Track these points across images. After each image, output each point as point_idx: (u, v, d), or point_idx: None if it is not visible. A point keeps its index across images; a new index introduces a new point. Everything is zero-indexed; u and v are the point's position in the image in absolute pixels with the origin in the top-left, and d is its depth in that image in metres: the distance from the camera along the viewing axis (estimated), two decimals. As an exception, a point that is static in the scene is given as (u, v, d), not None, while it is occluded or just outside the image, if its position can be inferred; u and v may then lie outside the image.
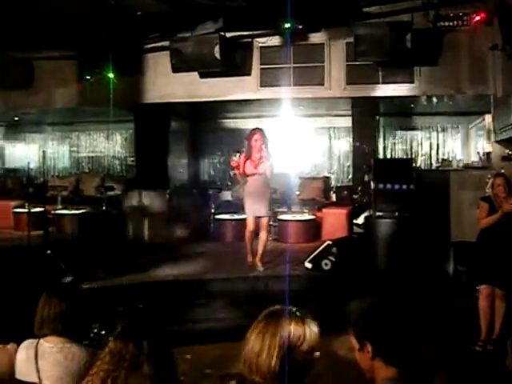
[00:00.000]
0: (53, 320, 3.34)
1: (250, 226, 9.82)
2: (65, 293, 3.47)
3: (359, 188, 12.67)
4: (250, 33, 11.66)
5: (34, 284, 3.57)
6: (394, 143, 15.77)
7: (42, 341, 3.32)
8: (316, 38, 11.41)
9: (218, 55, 10.85)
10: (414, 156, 15.40)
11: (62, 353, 3.27)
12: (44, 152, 17.25)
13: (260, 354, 2.45)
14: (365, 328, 2.46)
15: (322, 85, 11.47)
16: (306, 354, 2.49)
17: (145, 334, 2.68)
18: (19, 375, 3.26)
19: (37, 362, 3.24)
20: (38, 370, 3.21)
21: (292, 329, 2.48)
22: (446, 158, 14.90)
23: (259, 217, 9.77)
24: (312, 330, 2.53)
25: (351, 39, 10.51)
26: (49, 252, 8.66)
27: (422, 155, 15.66)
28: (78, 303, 3.45)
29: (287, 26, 10.83)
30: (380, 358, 2.43)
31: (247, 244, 10.04)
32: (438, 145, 15.59)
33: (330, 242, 9.73)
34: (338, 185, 15.25)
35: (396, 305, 2.61)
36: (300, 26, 10.94)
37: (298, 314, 2.57)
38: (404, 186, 9.66)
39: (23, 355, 3.31)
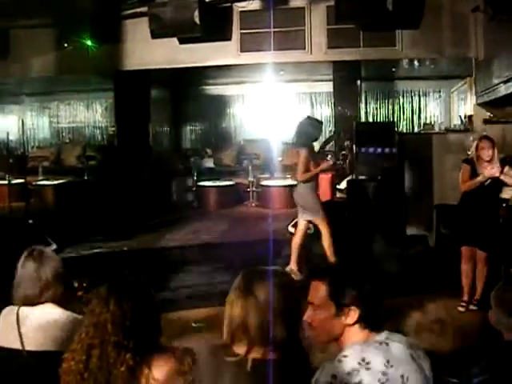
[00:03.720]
0: (34, 285, 3.31)
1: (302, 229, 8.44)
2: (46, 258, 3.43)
3: (341, 153, 12.65)
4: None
5: (17, 254, 3.51)
6: (376, 108, 15.76)
7: (23, 307, 3.29)
8: (296, 1, 11.29)
9: (197, 20, 10.71)
10: (396, 120, 15.40)
11: (44, 318, 3.24)
12: (23, 122, 17.03)
13: (245, 316, 2.44)
14: (356, 295, 2.45)
15: (303, 49, 11.36)
16: (291, 307, 2.48)
17: (128, 292, 2.67)
18: (1, 342, 3.24)
19: (19, 328, 3.21)
20: (20, 336, 3.18)
21: (273, 284, 2.45)
22: (428, 122, 14.92)
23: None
24: (290, 279, 2.54)
25: (332, 2, 10.42)
26: (30, 222, 8.59)
27: (404, 119, 15.68)
28: (61, 269, 3.42)
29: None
30: (362, 323, 2.46)
31: (293, 251, 8.34)
32: (419, 109, 15.61)
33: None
34: (321, 150, 15.21)
35: (378, 270, 2.63)
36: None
37: (275, 270, 2.56)
38: (386, 150, 9.67)
39: (5, 322, 3.28)
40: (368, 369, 2.30)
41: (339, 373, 2.30)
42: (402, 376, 2.32)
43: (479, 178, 6.73)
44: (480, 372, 2.85)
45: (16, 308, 3.31)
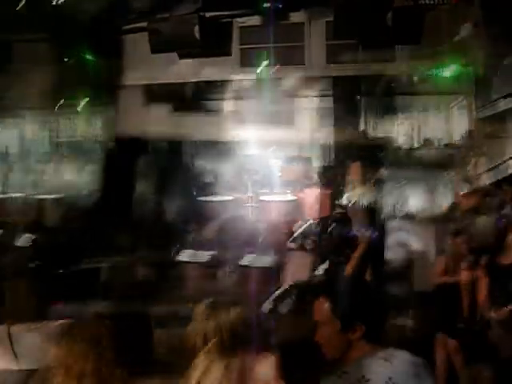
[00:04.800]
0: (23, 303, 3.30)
1: None
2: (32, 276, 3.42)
3: (340, 169, 12.66)
4: (230, 12, 11.55)
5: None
6: (376, 123, 15.73)
7: (13, 326, 3.27)
8: (296, 17, 11.33)
9: (197, 35, 10.74)
10: (395, 136, 15.39)
11: (37, 333, 3.22)
12: (23, 136, 17.02)
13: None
14: (361, 311, 2.48)
15: (303, 64, 11.42)
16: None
17: (119, 317, 2.66)
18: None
19: (12, 348, 3.18)
20: (15, 355, 3.16)
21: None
22: (427, 137, 14.89)
23: None
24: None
25: (331, 18, 10.45)
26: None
27: (403, 135, 15.65)
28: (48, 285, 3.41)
29: (266, 5, 10.72)
30: (367, 338, 2.47)
31: None
32: (419, 125, 15.57)
33: (312, 221, 9.76)
34: (321, 166, 15.23)
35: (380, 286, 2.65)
36: (280, 5, 10.83)
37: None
38: (382, 165, 9.69)
39: None
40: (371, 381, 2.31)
41: None
42: None
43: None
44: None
45: (6, 327, 3.28)
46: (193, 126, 12.06)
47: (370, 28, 9.94)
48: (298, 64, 11.41)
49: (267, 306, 9.42)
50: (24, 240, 9.75)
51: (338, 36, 10.48)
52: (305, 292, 9.33)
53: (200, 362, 2.53)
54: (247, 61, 11.70)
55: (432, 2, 10.27)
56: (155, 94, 12.71)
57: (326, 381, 2.39)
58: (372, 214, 9.00)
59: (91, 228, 11.89)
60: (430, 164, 10.48)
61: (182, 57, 11.75)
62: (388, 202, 11.83)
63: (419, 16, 10.28)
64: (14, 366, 3.12)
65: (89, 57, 11.83)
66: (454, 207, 10.18)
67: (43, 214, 12.87)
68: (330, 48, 11.16)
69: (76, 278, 8.45)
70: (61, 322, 3.25)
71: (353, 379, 2.32)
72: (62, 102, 16.65)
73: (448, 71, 10.88)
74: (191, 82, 12.52)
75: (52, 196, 13.39)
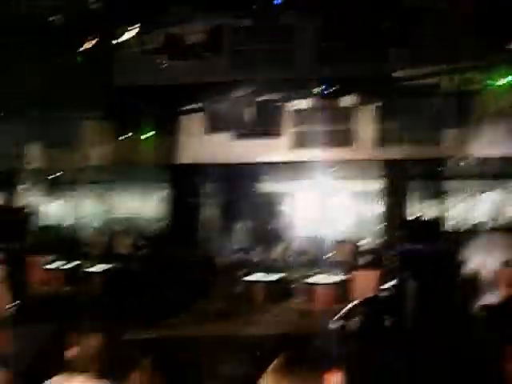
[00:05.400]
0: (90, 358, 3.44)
1: None
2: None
3: (390, 251, 12.65)
4: (282, 96, 11.95)
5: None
6: (425, 207, 15.74)
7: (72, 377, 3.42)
8: (346, 101, 11.65)
9: (251, 117, 11.13)
10: (444, 220, 15.34)
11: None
12: (79, 210, 17.61)
13: None
14: None
15: (352, 147, 11.66)
16: None
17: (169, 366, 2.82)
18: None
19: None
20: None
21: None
22: (476, 222, 14.84)
23: None
24: None
25: (380, 103, 10.76)
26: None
27: (452, 219, 15.60)
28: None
29: (320, 89, 11.07)
30: None
31: None
32: (469, 208, 15.52)
33: (357, 302, 9.71)
34: (369, 247, 15.23)
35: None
36: (330, 90, 11.18)
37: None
38: (432, 248, 9.65)
39: None
40: None
41: None
42: None
43: None
44: None
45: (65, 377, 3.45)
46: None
47: (414, 111, 10.19)
48: (347, 146, 11.66)
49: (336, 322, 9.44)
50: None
51: (386, 119, 10.76)
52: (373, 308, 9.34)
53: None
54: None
55: (478, 87, 10.46)
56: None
57: None
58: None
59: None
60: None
61: (236, 138, 12.15)
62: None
63: (465, 100, 10.48)
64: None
65: (146, 135, 12.33)
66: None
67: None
68: (378, 131, 11.41)
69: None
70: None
71: None
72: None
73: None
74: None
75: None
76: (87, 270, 13.73)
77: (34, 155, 13.89)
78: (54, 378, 3.48)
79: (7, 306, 5.31)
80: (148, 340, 9.08)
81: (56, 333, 6.15)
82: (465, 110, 10.57)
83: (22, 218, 11.03)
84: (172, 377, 2.81)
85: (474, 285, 10.04)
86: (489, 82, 10.52)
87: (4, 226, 10.04)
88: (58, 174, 16.24)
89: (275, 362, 2.64)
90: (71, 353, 3.44)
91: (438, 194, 15.63)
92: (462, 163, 12.83)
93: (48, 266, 14.05)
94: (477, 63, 10.58)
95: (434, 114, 10.03)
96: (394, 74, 10.85)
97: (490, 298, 8.49)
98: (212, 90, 11.70)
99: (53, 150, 13.44)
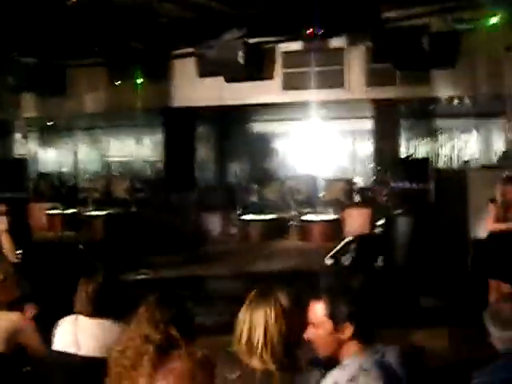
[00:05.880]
0: (90, 300, 3.72)
1: None
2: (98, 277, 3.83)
3: (381, 189, 12.92)
4: (273, 38, 12.03)
5: (70, 274, 3.98)
6: (415, 145, 15.96)
7: (80, 316, 3.71)
8: (336, 42, 11.73)
9: (241, 60, 11.23)
10: (435, 158, 15.57)
11: (99, 327, 3.65)
12: (76, 156, 17.82)
13: (252, 330, 2.76)
14: (350, 312, 2.71)
15: (343, 87, 11.79)
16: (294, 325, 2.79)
17: (167, 300, 3.10)
18: (59, 346, 3.66)
19: (76, 335, 3.63)
20: (77, 342, 3.60)
21: (279, 302, 2.79)
22: (467, 159, 15.06)
23: None
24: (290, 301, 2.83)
25: (370, 43, 10.85)
26: (81, 247, 9.09)
27: (443, 157, 15.83)
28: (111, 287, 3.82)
29: (308, 31, 11.13)
30: (357, 338, 2.71)
31: None
32: (459, 146, 15.73)
33: (350, 238, 10.04)
34: (361, 186, 15.50)
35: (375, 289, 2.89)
36: (321, 31, 11.24)
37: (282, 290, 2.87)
38: (421, 185, 9.91)
39: (63, 329, 3.70)
40: (366, 375, 2.59)
41: (340, 380, 2.60)
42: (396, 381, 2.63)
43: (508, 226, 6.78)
44: (479, 375, 3.12)
45: (74, 317, 3.73)
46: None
47: (407, 53, 10.31)
48: (338, 87, 11.79)
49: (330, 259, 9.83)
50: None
51: (376, 60, 10.88)
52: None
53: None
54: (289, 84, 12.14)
55: (468, 27, 10.54)
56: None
57: (330, 374, 2.64)
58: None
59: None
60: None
61: (227, 80, 12.27)
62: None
63: (455, 40, 10.60)
64: (75, 351, 3.57)
65: (139, 80, 12.42)
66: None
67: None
68: (369, 72, 11.53)
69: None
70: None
71: (353, 370, 2.59)
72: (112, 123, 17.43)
73: (483, 94, 11.10)
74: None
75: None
76: (87, 214, 14.04)
77: (30, 104, 13.98)
78: (65, 318, 3.78)
79: (13, 254, 5.57)
80: (150, 280, 9.47)
81: (62, 276, 6.46)
82: (455, 50, 10.66)
83: (20, 167, 11.21)
84: (177, 314, 3.06)
85: (461, 221, 10.39)
86: (480, 21, 10.59)
87: (4, 176, 10.23)
88: (53, 121, 16.38)
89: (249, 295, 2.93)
90: (78, 294, 3.74)
91: (429, 133, 15.84)
92: (452, 102, 12.99)
93: (49, 212, 14.36)
94: (468, 2, 10.65)
95: (424, 53, 10.12)
96: (385, 14, 10.92)
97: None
98: (203, 34, 11.78)
99: (48, 98, 13.51)
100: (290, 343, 2.76)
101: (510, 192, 6.84)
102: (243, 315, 2.82)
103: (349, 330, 2.70)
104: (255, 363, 2.73)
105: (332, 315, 2.73)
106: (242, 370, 2.76)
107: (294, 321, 2.78)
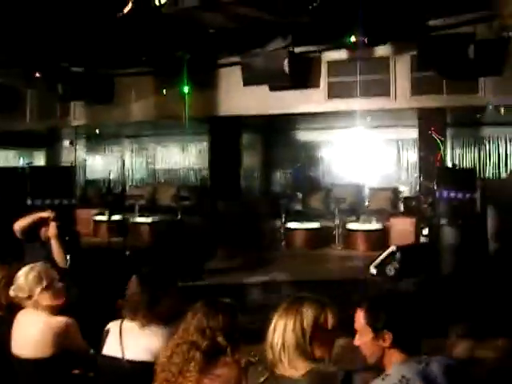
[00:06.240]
0: (138, 304, 3.80)
1: None
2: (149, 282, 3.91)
3: (426, 198, 12.83)
4: (318, 47, 12.07)
5: (117, 279, 4.09)
6: (462, 154, 15.79)
7: (125, 320, 3.80)
8: (382, 51, 11.71)
9: (286, 69, 11.29)
10: (482, 167, 15.39)
11: (143, 330, 3.74)
12: (123, 163, 18.12)
13: (275, 338, 2.81)
14: (388, 320, 2.76)
15: (388, 96, 11.76)
16: (327, 333, 2.85)
17: (215, 308, 3.17)
18: (106, 351, 3.76)
19: (121, 338, 3.72)
20: (121, 345, 3.69)
21: (312, 311, 2.84)
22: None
23: None
24: (331, 310, 2.89)
25: (415, 52, 10.80)
26: (127, 253, 9.26)
27: (490, 165, 15.63)
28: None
29: (353, 39, 11.12)
30: (399, 346, 2.74)
31: None
32: (506, 155, 15.51)
33: (394, 248, 10.00)
34: (406, 195, 15.42)
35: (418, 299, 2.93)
36: (366, 40, 11.23)
37: (316, 299, 2.92)
38: (467, 195, 9.83)
39: (111, 334, 3.80)
40: None
41: None
42: None
43: None
44: None
45: (120, 321, 3.83)
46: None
47: (452, 60, 10.23)
48: (383, 96, 11.75)
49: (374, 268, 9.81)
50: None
51: (421, 69, 10.83)
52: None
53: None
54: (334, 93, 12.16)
55: (515, 35, 10.42)
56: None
57: (373, 383, 2.69)
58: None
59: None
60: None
61: (272, 89, 12.34)
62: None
63: (501, 48, 10.47)
64: (119, 355, 3.67)
65: (185, 89, 12.58)
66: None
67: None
68: (414, 80, 11.48)
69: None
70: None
71: (395, 379, 2.61)
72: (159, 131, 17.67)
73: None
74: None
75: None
76: (133, 221, 14.27)
77: (79, 112, 14.28)
78: (111, 324, 3.88)
79: (63, 260, 5.70)
80: (198, 287, 9.58)
81: (108, 281, 6.60)
82: (502, 58, 10.53)
83: (68, 174, 11.46)
84: (224, 321, 3.13)
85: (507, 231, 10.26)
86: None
87: (53, 183, 10.46)
88: (101, 129, 16.68)
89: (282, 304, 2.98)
90: (123, 301, 3.83)
91: (476, 142, 15.66)
92: (498, 111, 12.82)
93: (96, 219, 14.64)
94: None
95: (470, 62, 10.03)
96: (431, 23, 10.86)
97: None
98: (248, 43, 11.88)
99: (96, 107, 13.77)
100: (311, 353, 2.80)
101: None
102: (272, 323, 2.89)
103: (388, 338, 2.74)
104: (281, 370, 2.79)
105: (371, 322, 2.78)
106: (269, 376, 2.83)
107: (320, 331, 2.83)
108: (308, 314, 2.83)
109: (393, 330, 2.74)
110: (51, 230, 5.68)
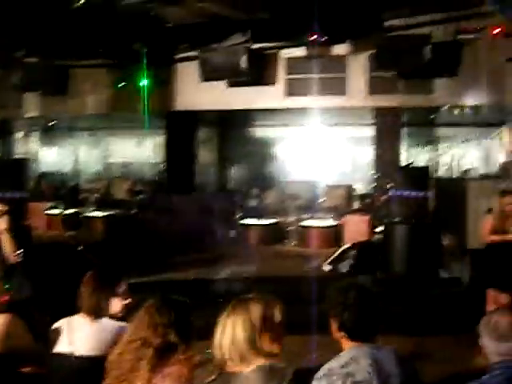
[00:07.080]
0: (89, 300, 3.75)
1: None
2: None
3: (381, 196, 12.96)
4: (276, 44, 12.09)
5: (70, 274, 4.02)
6: (417, 153, 16.01)
7: (75, 316, 3.75)
8: (339, 49, 11.78)
9: (244, 65, 11.28)
10: (435, 166, 15.61)
11: (94, 326, 3.69)
12: (77, 156, 17.87)
13: (233, 338, 2.85)
14: (331, 307, 2.97)
15: (345, 94, 11.84)
16: (276, 327, 2.89)
17: (173, 306, 3.14)
18: (55, 347, 3.69)
19: (70, 335, 3.67)
20: (70, 341, 3.64)
21: (259, 307, 2.88)
22: (467, 168, 15.12)
23: None
24: (277, 306, 2.94)
25: (373, 51, 10.90)
26: (80, 248, 9.13)
27: (443, 165, 15.88)
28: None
29: (312, 37, 11.17)
30: (347, 334, 2.92)
31: None
32: (459, 155, 15.78)
33: (349, 245, 10.07)
34: (362, 193, 15.56)
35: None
36: (324, 38, 11.29)
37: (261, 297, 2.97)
38: (421, 194, 9.93)
39: (59, 330, 3.74)
40: (357, 363, 2.79)
41: (333, 366, 2.82)
42: (388, 376, 2.77)
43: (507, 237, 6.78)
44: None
45: (69, 318, 3.77)
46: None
47: (409, 61, 10.36)
48: (340, 94, 11.83)
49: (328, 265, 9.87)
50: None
51: (378, 68, 10.93)
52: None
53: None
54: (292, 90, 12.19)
55: (470, 37, 10.59)
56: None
57: (327, 363, 2.86)
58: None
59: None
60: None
61: (230, 85, 12.32)
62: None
63: (457, 50, 10.64)
64: (68, 351, 3.62)
65: (142, 83, 12.46)
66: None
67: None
68: (371, 79, 11.58)
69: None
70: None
71: (346, 359, 2.81)
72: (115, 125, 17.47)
73: (484, 103, 11.13)
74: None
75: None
76: (87, 215, 14.09)
77: (32, 103, 14.02)
78: (61, 321, 3.82)
79: (14, 254, 5.58)
80: (151, 282, 9.50)
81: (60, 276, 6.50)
82: (457, 59, 10.70)
83: (21, 166, 11.22)
84: (177, 318, 3.10)
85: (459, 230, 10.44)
86: (482, 31, 10.64)
87: (5, 176, 10.24)
88: (55, 121, 16.43)
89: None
90: (80, 296, 3.78)
91: (430, 142, 15.90)
92: (453, 111, 13.03)
93: (49, 212, 14.41)
94: (470, 12, 10.70)
95: (426, 62, 10.17)
96: (388, 23, 10.98)
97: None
98: (207, 38, 11.83)
99: (50, 98, 13.55)
100: (261, 347, 2.83)
101: (507, 204, 6.81)
102: (219, 324, 2.93)
103: (334, 324, 2.94)
104: (231, 367, 2.83)
105: (328, 311, 2.98)
106: (217, 375, 2.87)
107: (269, 325, 2.86)
108: (255, 309, 2.87)
109: (335, 316, 2.93)
110: (2, 223, 5.55)
